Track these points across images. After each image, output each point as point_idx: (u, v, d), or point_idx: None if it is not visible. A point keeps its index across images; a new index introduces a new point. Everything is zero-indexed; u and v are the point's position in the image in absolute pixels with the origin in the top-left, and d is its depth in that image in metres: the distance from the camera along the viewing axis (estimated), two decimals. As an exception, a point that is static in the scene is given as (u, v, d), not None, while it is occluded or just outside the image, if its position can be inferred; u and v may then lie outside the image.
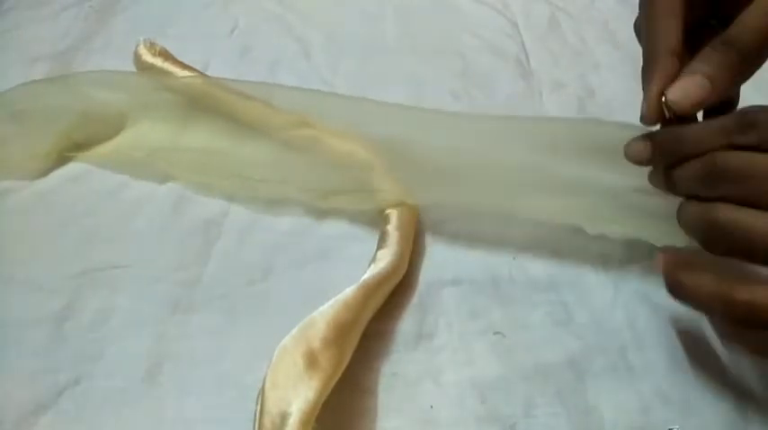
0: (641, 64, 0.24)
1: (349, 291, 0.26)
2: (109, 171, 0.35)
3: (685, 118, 0.23)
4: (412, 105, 0.32)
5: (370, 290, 0.26)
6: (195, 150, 0.35)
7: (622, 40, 0.43)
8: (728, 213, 0.21)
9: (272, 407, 0.22)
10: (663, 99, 0.23)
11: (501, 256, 0.30)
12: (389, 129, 0.32)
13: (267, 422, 0.21)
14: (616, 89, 0.40)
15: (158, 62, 0.39)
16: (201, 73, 0.39)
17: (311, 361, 0.23)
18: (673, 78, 0.23)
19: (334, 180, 0.32)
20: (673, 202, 0.23)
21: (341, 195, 0.32)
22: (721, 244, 0.21)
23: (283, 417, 0.21)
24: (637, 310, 0.28)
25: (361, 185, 0.31)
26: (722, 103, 0.25)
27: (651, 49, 0.24)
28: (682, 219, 0.23)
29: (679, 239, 0.24)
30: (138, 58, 0.40)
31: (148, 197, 0.34)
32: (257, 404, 0.22)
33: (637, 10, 0.25)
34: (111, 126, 0.36)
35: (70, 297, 0.29)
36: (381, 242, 0.29)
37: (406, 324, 0.28)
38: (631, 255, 0.30)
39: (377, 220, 0.31)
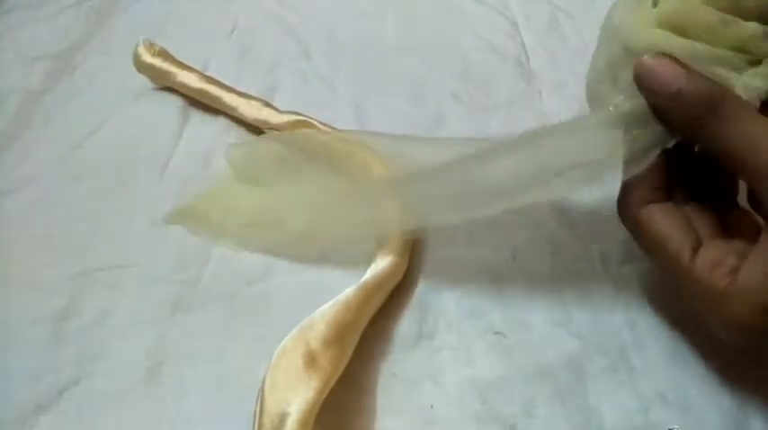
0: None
1: (349, 292, 0.26)
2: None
3: None
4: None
5: (370, 290, 0.26)
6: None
7: (622, 40, 0.43)
8: None
9: (272, 407, 0.22)
10: None
11: (501, 256, 0.30)
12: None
13: (266, 422, 0.21)
14: (616, 89, 0.40)
15: (158, 62, 0.39)
16: (201, 73, 0.39)
17: (311, 361, 0.23)
18: None
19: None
20: None
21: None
22: None
23: (282, 417, 0.21)
24: (637, 310, 0.28)
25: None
26: None
27: None
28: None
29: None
30: (137, 58, 0.40)
31: (148, 197, 0.34)
32: (257, 404, 0.22)
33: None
34: None
35: (70, 297, 0.29)
36: (381, 242, 0.29)
37: (406, 324, 0.28)
38: (631, 255, 0.30)
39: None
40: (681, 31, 0.22)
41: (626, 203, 0.24)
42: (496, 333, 0.27)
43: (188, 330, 0.28)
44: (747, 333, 0.21)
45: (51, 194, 0.34)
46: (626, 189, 0.24)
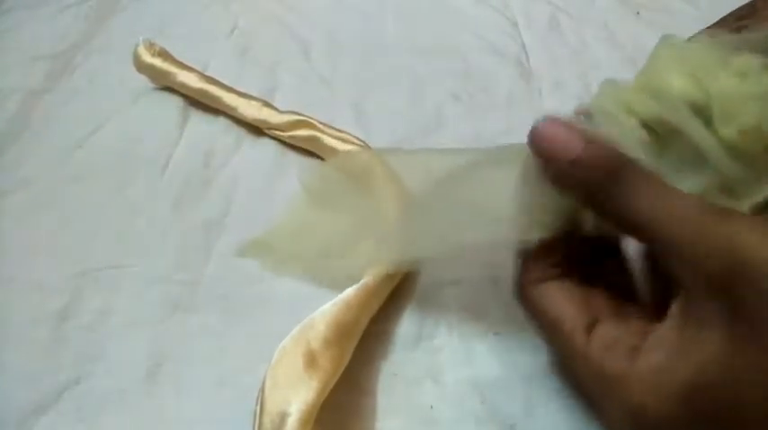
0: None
1: (350, 292, 0.26)
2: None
3: None
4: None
5: (370, 290, 0.26)
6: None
7: (622, 40, 0.43)
8: None
9: (272, 406, 0.22)
10: None
11: (501, 256, 0.30)
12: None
13: (267, 422, 0.21)
14: (616, 89, 0.40)
15: (158, 62, 0.39)
16: (201, 73, 0.39)
17: (311, 361, 0.23)
18: None
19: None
20: None
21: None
22: None
23: (283, 417, 0.21)
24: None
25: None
26: None
27: None
28: None
29: None
30: (137, 58, 0.40)
31: (148, 197, 0.34)
32: (257, 404, 0.22)
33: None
34: None
35: (70, 297, 0.29)
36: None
37: (406, 324, 0.28)
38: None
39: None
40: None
41: (520, 283, 0.22)
42: (496, 333, 0.27)
43: (188, 330, 0.28)
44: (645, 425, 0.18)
45: (51, 194, 0.34)
46: (523, 268, 0.22)
